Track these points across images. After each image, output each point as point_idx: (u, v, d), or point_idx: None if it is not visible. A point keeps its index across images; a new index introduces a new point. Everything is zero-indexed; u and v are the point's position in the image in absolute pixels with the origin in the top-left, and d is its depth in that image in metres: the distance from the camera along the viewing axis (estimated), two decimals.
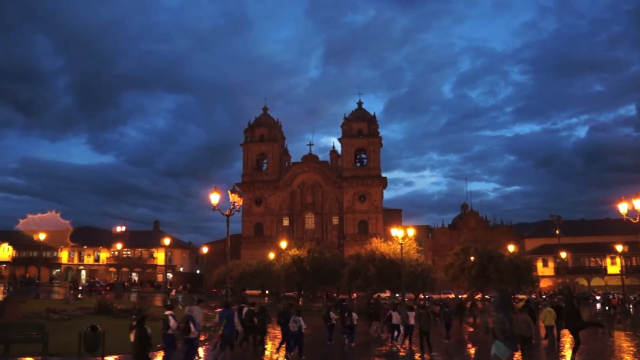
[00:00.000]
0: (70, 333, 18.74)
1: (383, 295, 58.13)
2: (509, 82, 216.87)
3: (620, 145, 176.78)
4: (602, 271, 76.75)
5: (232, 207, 22.67)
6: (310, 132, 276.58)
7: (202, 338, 22.40)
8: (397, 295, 54.30)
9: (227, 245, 23.69)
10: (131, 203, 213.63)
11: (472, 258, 51.77)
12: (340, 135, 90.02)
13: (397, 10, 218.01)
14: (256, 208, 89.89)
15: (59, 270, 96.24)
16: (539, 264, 76.57)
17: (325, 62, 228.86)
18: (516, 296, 45.13)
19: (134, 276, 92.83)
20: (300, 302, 53.04)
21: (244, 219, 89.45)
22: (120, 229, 73.06)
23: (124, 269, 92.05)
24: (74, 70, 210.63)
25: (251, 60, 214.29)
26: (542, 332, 23.17)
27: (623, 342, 24.81)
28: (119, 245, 68.23)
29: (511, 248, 54.32)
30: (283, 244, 56.62)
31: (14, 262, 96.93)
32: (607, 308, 37.84)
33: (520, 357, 16.21)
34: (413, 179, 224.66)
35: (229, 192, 22.82)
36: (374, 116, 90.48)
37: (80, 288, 58.82)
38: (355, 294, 58.50)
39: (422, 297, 55.68)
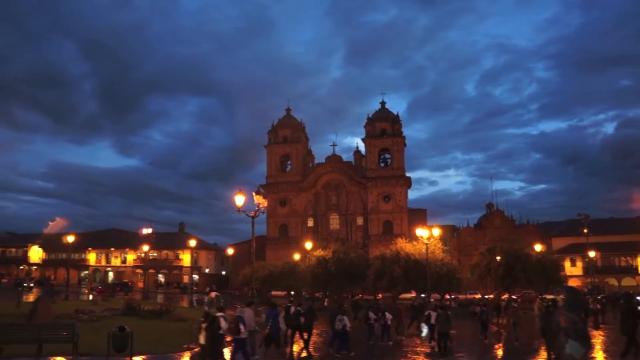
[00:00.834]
0: (99, 333, 19.03)
1: (408, 295, 57.80)
2: (534, 79, 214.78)
3: None
4: (633, 271, 75.24)
5: (256, 208, 22.75)
6: (334, 133, 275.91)
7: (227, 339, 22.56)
8: (422, 295, 53.96)
9: (253, 247, 23.79)
10: (157, 205, 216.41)
11: (498, 258, 51.14)
12: (363, 136, 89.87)
13: (418, 9, 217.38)
14: (281, 209, 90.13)
15: (87, 272, 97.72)
16: (567, 264, 75.58)
17: (347, 62, 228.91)
18: (543, 296, 44.43)
19: (160, 277, 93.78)
20: (325, 303, 53.03)
21: (269, 221, 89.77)
22: (146, 231, 73.54)
23: (151, 271, 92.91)
24: (99, 75, 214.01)
25: (273, 62, 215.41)
26: None
27: None
28: (145, 247, 68.76)
29: (538, 247, 53.50)
30: (308, 245, 56.60)
31: (44, 264, 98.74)
32: None
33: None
34: (437, 179, 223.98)
35: (254, 193, 22.90)
36: (397, 116, 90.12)
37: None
38: (380, 295, 58.30)
39: (448, 297, 55.25)
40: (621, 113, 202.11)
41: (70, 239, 51.94)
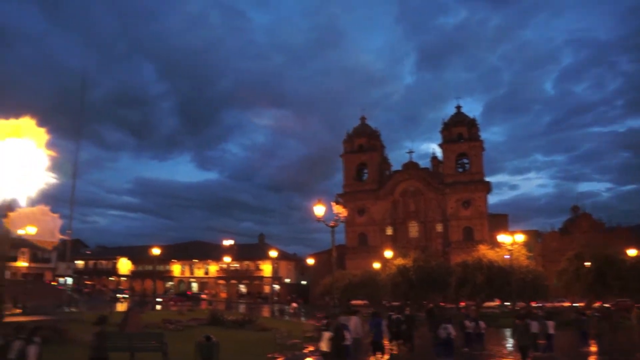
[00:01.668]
0: (185, 343, 19.57)
1: (492, 304, 56.23)
2: (618, 73, 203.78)
3: None
4: None
5: (336, 218, 22.71)
6: (409, 139, 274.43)
7: (309, 349, 22.60)
8: (507, 304, 52.33)
9: (333, 256, 23.77)
10: (236, 217, 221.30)
11: (587, 263, 48.72)
12: (439, 141, 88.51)
13: (489, 9, 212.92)
14: (359, 218, 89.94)
15: (172, 282, 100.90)
16: None
17: (419, 67, 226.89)
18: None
19: (242, 288, 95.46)
20: (407, 312, 52.32)
21: (347, 230, 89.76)
22: (228, 242, 75.39)
23: (232, 281, 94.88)
24: (177, 93, 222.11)
25: (345, 71, 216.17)
26: None
27: None
28: (227, 258, 70.43)
29: (632, 252, 50.59)
30: (388, 254, 56.16)
31: (132, 276, 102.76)
32: None
33: None
34: (518, 182, 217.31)
35: (333, 203, 22.86)
36: (474, 119, 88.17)
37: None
38: (463, 303, 56.97)
39: (534, 305, 53.27)
40: None
41: (156, 251, 53.87)
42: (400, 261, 56.71)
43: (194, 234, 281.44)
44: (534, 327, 21.50)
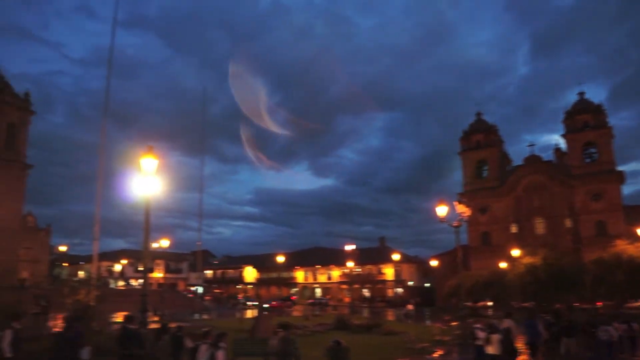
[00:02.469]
0: (314, 347, 19.78)
1: (636, 304, 52.18)
2: None
3: None
4: None
5: (460, 217, 22.11)
6: (528, 132, 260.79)
7: (439, 353, 22.08)
8: None
9: (459, 257, 23.19)
10: (355, 222, 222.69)
11: None
12: (562, 132, 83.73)
13: None
14: (481, 217, 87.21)
15: (296, 289, 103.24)
16: None
17: (533, 56, 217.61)
18: None
19: (365, 292, 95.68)
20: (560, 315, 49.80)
21: (470, 229, 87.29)
22: (349, 247, 75.96)
23: (355, 286, 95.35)
24: (290, 102, 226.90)
25: (456, 67, 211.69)
26: None
27: None
28: (350, 263, 70.89)
29: None
30: (515, 252, 53.94)
31: (258, 283, 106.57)
32: None
33: None
34: None
35: (456, 203, 22.31)
36: (600, 105, 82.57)
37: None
38: (600, 304, 53.40)
39: None
40: None
41: (281, 259, 55.30)
42: (528, 260, 54.25)
43: (314, 240, 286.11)
44: None
